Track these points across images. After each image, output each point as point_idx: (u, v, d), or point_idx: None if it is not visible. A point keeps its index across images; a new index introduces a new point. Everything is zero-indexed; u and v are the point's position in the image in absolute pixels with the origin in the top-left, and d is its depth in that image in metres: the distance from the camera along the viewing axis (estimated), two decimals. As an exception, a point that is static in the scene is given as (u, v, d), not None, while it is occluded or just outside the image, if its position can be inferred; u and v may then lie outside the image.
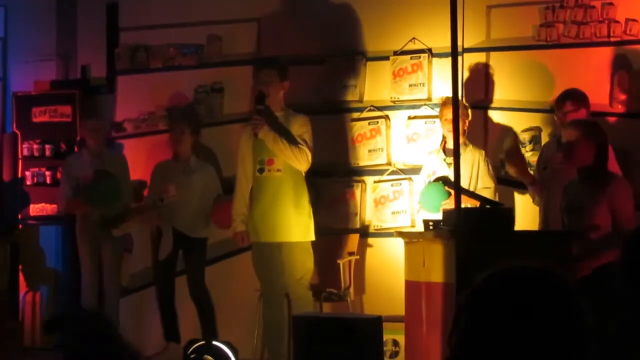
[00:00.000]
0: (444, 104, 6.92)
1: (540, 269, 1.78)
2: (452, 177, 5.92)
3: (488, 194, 6.68)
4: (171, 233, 7.59)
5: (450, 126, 6.55)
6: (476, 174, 6.89)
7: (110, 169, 7.86)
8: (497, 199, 6.72)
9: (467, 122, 6.96)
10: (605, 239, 5.63)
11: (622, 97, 7.05)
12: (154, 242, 7.70)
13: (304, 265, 6.77)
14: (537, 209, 6.76)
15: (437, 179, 6.64)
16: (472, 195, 6.33)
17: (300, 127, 6.82)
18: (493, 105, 7.44)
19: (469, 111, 7.05)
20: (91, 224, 7.82)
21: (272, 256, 6.77)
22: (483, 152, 7.02)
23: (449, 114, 6.56)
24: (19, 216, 8.81)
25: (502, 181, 7.11)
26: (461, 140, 6.82)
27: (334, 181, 7.70)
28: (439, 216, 6.06)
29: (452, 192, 6.28)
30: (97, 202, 7.75)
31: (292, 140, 6.74)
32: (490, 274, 1.79)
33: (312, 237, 6.82)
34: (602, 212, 5.66)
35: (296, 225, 6.74)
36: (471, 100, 7.30)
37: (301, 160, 6.75)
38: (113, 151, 8.17)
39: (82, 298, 7.94)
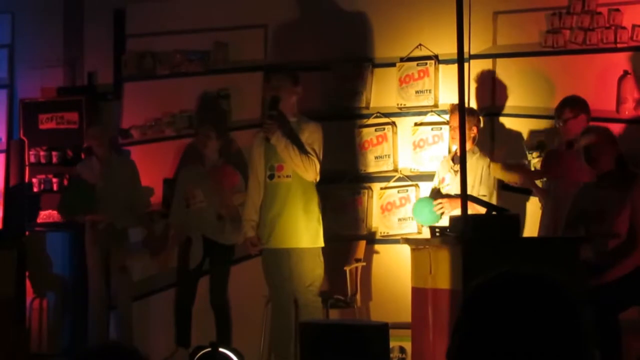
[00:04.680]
0: (453, 111, 6.87)
1: (535, 274, 1.76)
2: (457, 184, 5.93)
3: None
4: (201, 241, 7.53)
5: (454, 133, 6.56)
6: (479, 181, 6.85)
7: (118, 174, 7.87)
8: None
9: (475, 129, 6.91)
10: (622, 248, 5.66)
11: (629, 103, 7.04)
12: (183, 250, 7.65)
13: (314, 272, 6.73)
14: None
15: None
16: (477, 201, 6.31)
17: (311, 134, 6.77)
18: (499, 111, 7.43)
19: (481, 118, 7.03)
20: (100, 232, 7.84)
21: (281, 262, 6.73)
22: (488, 160, 6.96)
23: (457, 121, 6.53)
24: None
25: (510, 187, 7.10)
26: (469, 146, 6.82)
27: (340, 188, 7.69)
28: (445, 223, 6.05)
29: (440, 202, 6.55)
30: (68, 210, 7.94)
31: (302, 149, 6.69)
32: (483, 282, 1.78)
33: (322, 243, 6.77)
34: (624, 216, 5.67)
35: (306, 231, 6.70)
36: (478, 107, 7.29)
37: (309, 171, 6.70)
38: (121, 157, 8.17)
39: (90, 306, 7.95)
